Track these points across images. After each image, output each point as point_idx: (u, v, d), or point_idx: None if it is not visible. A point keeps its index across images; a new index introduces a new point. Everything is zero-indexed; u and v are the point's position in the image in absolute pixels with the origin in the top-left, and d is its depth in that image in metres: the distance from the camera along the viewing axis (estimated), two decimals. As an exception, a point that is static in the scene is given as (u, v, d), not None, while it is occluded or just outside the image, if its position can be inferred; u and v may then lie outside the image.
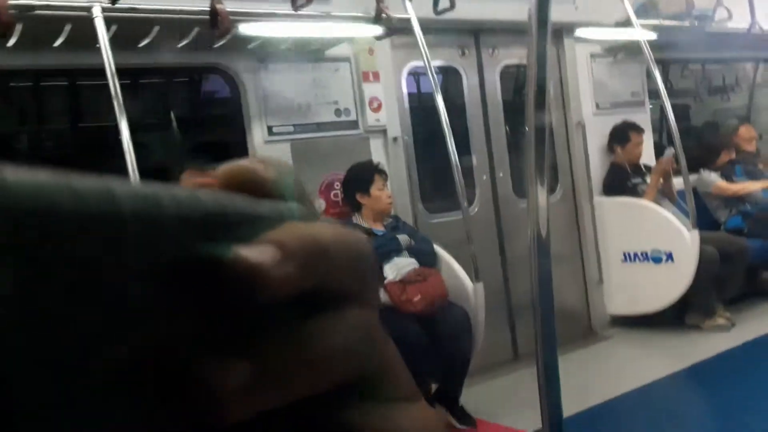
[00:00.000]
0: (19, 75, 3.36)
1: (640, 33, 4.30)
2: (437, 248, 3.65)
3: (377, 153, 3.93)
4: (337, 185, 3.78)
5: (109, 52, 2.52)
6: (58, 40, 2.81)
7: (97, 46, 2.61)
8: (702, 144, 5.42)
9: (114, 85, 2.52)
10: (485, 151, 4.48)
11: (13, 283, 0.13)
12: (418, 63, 3.98)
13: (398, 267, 3.43)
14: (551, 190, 4.59)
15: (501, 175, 4.51)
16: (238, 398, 0.16)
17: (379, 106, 3.93)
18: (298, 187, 0.21)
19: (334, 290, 0.19)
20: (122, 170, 2.58)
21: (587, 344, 4.57)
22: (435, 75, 3.59)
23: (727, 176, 5.19)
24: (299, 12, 3.16)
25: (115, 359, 0.15)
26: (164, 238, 0.16)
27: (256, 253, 0.17)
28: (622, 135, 4.80)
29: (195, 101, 4.20)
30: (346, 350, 0.18)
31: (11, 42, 2.68)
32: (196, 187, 0.18)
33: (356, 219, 3.61)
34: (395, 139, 4.03)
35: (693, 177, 4.79)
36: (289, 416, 0.18)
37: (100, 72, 2.57)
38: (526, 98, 1.27)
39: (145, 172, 2.61)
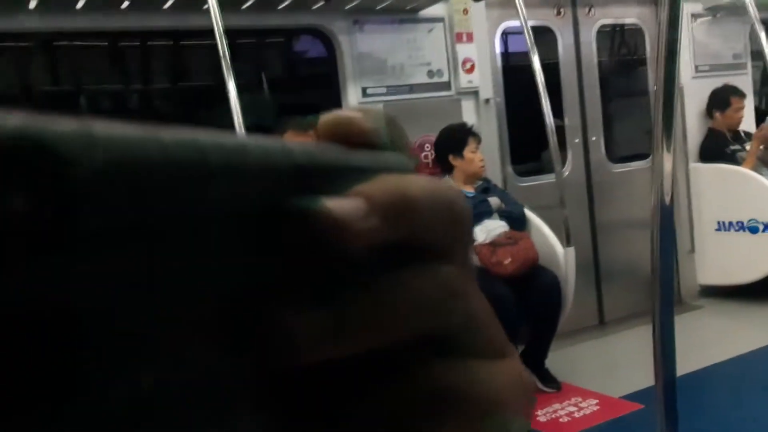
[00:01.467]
0: (128, 36, 3.50)
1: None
2: (527, 212, 3.64)
3: (468, 115, 3.92)
4: (428, 147, 3.80)
5: (218, 14, 2.59)
6: (167, 2, 2.90)
7: (205, 7, 2.68)
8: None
9: (222, 46, 2.60)
10: (578, 114, 4.39)
11: (103, 235, 0.13)
12: (512, 23, 3.93)
13: (489, 229, 3.45)
14: (647, 155, 4.48)
15: (594, 139, 4.43)
16: (318, 342, 0.17)
17: (472, 68, 3.90)
18: (397, 137, 0.21)
19: (422, 244, 0.19)
20: (227, 129, 2.68)
21: (676, 313, 4.46)
22: (531, 35, 3.53)
23: (833, 144, 4.94)
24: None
25: (203, 306, 0.15)
26: (252, 190, 0.16)
27: (342, 205, 0.17)
28: (722, 99, 4.62)
29: (290, 62, 4.27)
30: (426, 303, 0.18)
31: (125, 5, 2.78)
32: (290, 140, 0.18)
33: (447, 180, 3.63)
34: (487, 100, 4.00)
35: (796, 144, 4.57)
36: (369, 365, 0.18)
37: (201, 33, 2.65)
38: (658, 59, 1.26)
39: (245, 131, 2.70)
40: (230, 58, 2.72)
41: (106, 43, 3.56)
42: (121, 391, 0.14)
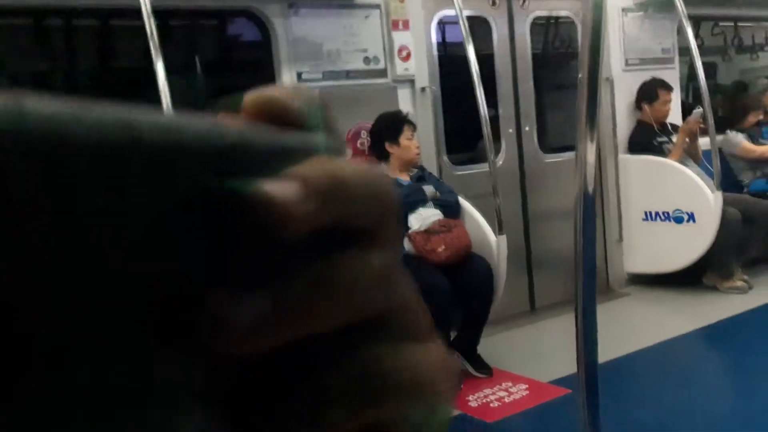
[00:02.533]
0: (52, 14, 3.35)
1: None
2: (461, 200, 3.68)
3: (404, 103, 3.92)
4: (364, 134, 3.79)
5: (146, -7, 2.52)
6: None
7: (133, -15, 2.60)
8: (730, 104, 5.36)
9: (150, 26, 2.52)
10: (512, 105, 4.45)
11: (22, 215, 0.12)
12: (448, 12, 3.94)
13: (423, 217, 3.46)
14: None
15: (527, 129, 4.50)
16: (252, 330, 0.16)
17: (408, 56, 3.90)
18: (326, 117, 0.20)
19: (354, 228, 0.18)
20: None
21: (603, 300, 4.60)
22: (466, 24, 3.55)
23: (754, 138, 5.14)
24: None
25: (132, 293, 0.14)
26: (183, 171, 0.15)
27: (277, 188, 0.16)
28: (650, 92, 4.75)
29: (223, 45, 4.18)
30: (361, 288, 0.18)
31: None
32: (221, 119, 0.17)
33: (382, 168, 3.62)
34: (423, 89, 4.01)
35: (719, 137, 4.75)
36: (299, 354, 0.17)
37: (129, 13, 2.56)
38: (580, 50, 1.27)
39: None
40: (159, 40, 2.64)
41: (30, 21, 3.41)
42: (53, 386, 0.13)
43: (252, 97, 0.19)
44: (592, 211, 1.31)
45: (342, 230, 0.18)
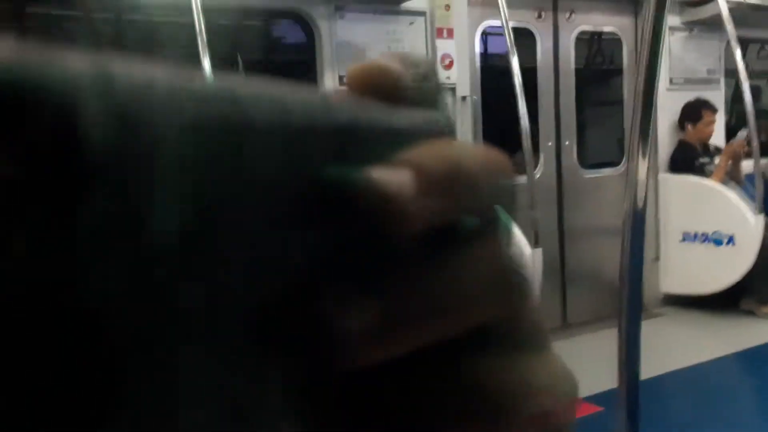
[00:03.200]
0: (103, 8, 3.41)
1: (725, 6, 4.15)
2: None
3: (444, 111, 3.91)
4: (402, 140, 3.78)
5: (198, -9, 2.55)
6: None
7: (184, -17, 2.63)
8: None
9: (199, 22, 2.55)
10: (553, 118, 4.42)
11: (118, 215, 0.10)
12: (493, 22, 3.92)
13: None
14: (617, 163, 4.53)
15: (567, 143, 4.46)
16: (367, 341, 0.14)
17: (451, 64, 3.89)
18: (439, 92, 0.18)
19: (467, 222, 0.16)
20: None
21: (636, 320, 4.54)
22: (511, 35, 3.54)
23: (799, 163, 5.05)
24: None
25: (230, 294, 0.12)
26: (291, 156, 0.13)
27: (393, 178, 0.14)
28: (694, 112, 4.68)
29: (266, 46, 4.21)
30: (482, 291, 0.15)
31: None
32: (328, 95, 0.15)
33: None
34: (464, 98, 3.99)
35: (763, 161, 4.66)
36: (394, 366, 0.15)
37: (177, 7, 2.59)
38: (638, 66, 1.25)
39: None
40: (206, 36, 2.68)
41: (79, 14, 3.47)
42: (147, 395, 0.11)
43: (356, 67, 0.17)
44: (641, 228, 1.29)
45: (455, 225, 0.15)
